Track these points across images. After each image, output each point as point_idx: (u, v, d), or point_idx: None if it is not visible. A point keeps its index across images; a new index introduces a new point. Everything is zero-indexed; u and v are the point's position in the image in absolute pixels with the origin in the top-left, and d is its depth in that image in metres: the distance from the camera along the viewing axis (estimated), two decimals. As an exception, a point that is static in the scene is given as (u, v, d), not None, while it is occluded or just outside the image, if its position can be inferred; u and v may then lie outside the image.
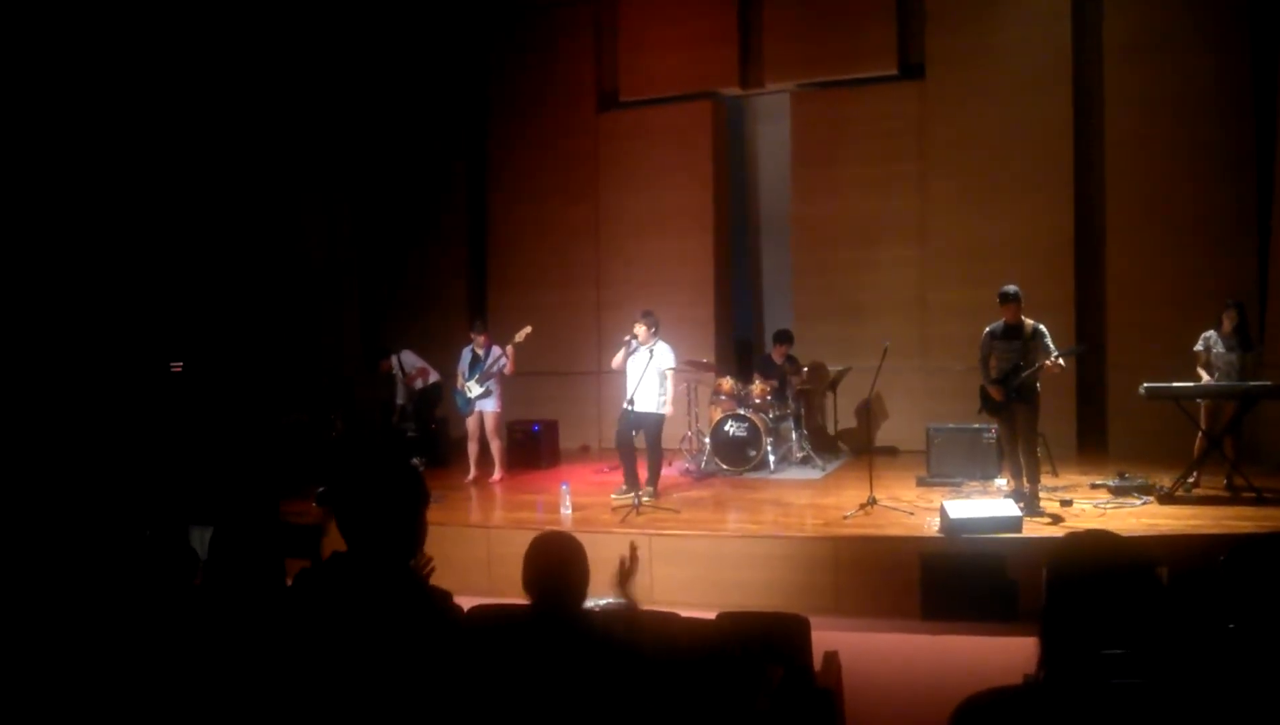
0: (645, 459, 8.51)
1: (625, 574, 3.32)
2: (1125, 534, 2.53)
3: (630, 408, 8.18)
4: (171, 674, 2.35)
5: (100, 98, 9.10)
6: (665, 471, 9.91)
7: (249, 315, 10.72)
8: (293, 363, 10.89)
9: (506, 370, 9.32)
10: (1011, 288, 7.42)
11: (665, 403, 8.43)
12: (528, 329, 9.13)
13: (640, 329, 8.35)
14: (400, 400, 10.65)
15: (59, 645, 2.60)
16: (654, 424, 8.46)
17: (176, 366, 10.00)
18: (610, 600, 5.81)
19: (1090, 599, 1.71)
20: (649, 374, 8.25)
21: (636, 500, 7.80)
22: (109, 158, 9.23)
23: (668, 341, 8.57)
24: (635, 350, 8.38)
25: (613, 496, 8.36)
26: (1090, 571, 1.74)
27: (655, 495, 8.26)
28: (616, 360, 8.54)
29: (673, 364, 8.47)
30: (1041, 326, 7.38)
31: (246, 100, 10.55)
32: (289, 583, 2.35)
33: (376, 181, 12.63)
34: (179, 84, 9.85)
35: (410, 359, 10.51)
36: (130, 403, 9.20)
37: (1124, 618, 1.68)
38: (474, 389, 9.31)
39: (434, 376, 10.58)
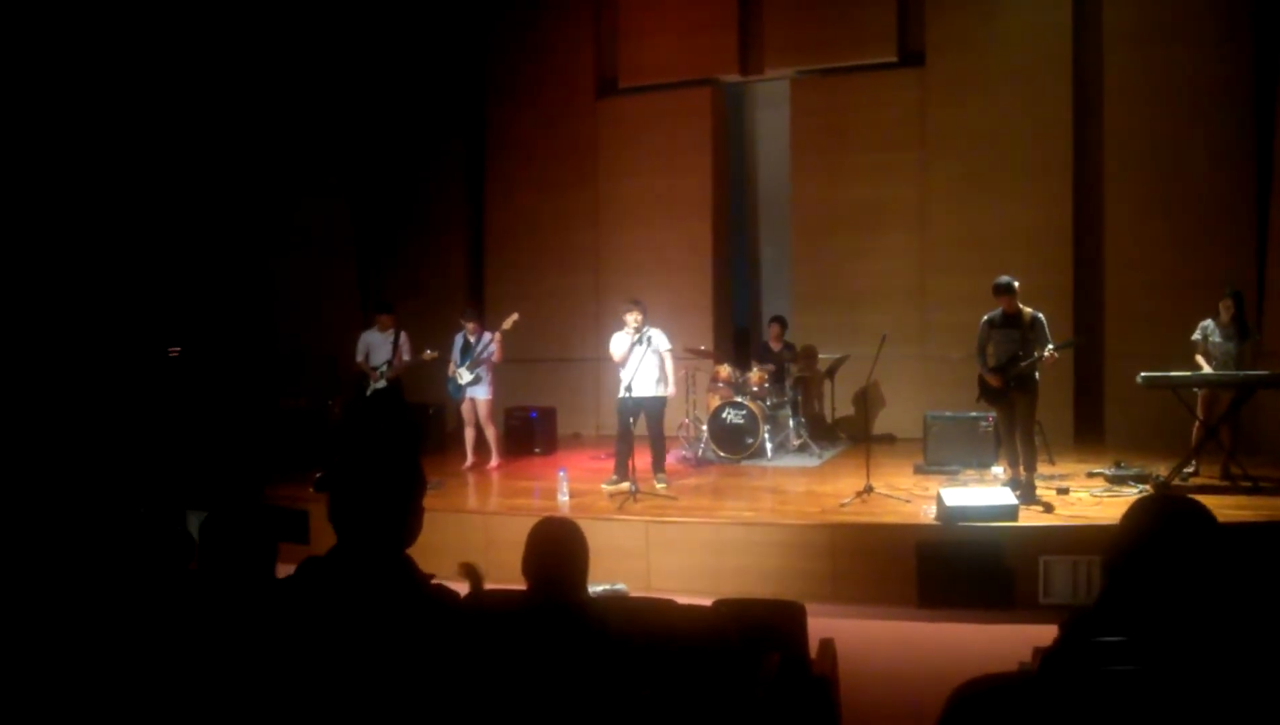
0: (648, 446, 8.47)
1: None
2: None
3: (629, 394, 8.15)
4: (165, 659, 2.35)
5: (93, 78, 9.06)
6: (663, 459, 9.95)
7: (246, 299, 10.69)
8: (290, 347, 10.86)
9: (494, 358, 9.30)
10: (1004, 279, 7.38)
11: (669, 385, 8.52)
12: (515, 316, 9.11)
13: (635, 316, 8.34)
14: (383, 359, 9.34)
15: (52, 627, 2.59)
16: (656, 408, 8.50)
17: (174, 351, 9.98)
18: (606, 587, 5.81)
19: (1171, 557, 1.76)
20: (648, 359, 8.27)
21: (633, 488, 7.78)
22: (104, 141, 9.19)
23: (665, 328, 8.58)
24: (637, 339, 8.33)
25: (603, 486, 8.31)
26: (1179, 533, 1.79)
27: (666, 481, 8.29)
28: (620, 352, 8.35)
29: (669, 346, 8.52)
30: (1040, 315, 7.37)
31: (243, 83, 10.50)
32: (288, 569, 2.33)
33: (374, 165, 12.57)
34: (173, 66, 9.80)
35: (406, 346, 9.46)
36: (128, 387, 9.19)
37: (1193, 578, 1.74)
38: (465, 375, 9.29)
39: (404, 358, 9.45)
